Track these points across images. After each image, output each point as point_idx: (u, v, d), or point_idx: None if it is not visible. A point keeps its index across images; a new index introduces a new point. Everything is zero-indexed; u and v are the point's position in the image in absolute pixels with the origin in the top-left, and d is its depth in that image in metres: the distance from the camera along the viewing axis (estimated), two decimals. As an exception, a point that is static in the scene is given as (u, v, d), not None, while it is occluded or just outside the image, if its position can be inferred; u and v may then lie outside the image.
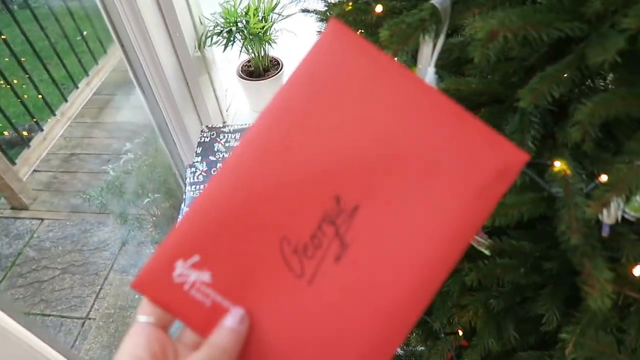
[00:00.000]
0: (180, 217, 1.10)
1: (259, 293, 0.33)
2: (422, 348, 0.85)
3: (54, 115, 2.57)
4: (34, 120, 2.45)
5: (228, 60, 1.31)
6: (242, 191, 0.33)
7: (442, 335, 0.76)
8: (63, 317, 1.87)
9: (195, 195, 1.11)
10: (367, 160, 0.32)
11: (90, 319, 1.86)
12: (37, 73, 2.54)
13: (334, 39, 0.33)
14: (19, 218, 2.17)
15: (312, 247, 0.32)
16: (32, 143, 2.43)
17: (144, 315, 0.33)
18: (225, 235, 0.33)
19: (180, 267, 0.33)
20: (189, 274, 0.33)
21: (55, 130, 2.55)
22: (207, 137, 1.23)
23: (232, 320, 0.32)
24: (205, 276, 0.33)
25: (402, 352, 0.91)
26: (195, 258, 0.33)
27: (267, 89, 1.32)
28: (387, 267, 0.32)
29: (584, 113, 0.37)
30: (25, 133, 2.43)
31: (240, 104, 1.43)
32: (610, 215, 0.42)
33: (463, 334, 0.74)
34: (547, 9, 0.38)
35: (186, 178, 1.16)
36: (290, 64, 1.33)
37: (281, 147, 0.33)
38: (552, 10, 0.38)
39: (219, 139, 1.23)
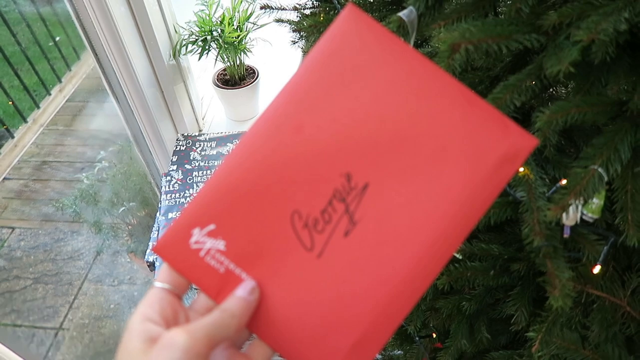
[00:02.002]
0: (155, 225, 1.09)
1: (270, 263, 0.34)
2: (399, 352, 0.87)
3: (25, 122, 2.52)
4: (4, 127, 2.39)
5: (203, 68, 1.31)
6: (256, 166, 0.35)
7: (417, 338, 0.77)
8: (35, 327, 1.82)
9: (170, 203, 1.11)
10: (379, 140, 0.33)
11: (63, 329, 1.82)
12: (8, 79, 2.48)
13: (350, 22, 0.34)
14: (-13, 228, 2.11)
15: (323, 222, 0.34)
16: (2, 150, 2.37)
17: (161, 282, 0.35)
18: (239, 207, 0.35)
19: (196, 234, 0.35)
20: (205, 241, 0.35)
21: (26, 138, 2.49)
22: (183, 146, 1.23)
23: (243, 290, 0.34)
24: (220, 244, 0.35)
25: (379, 356, 0.92)
26: (211, 226, 0.35)
27: (243, 97, 1.33)
28: (394, 244, 0.33)
29: (543, 121, 0.39)
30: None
31: (216, 113, 1.43)
32: (569, 217, 0.44)
33: (437, 336, 0.76)
34: (507, 22, 0.40)
35: (162, 186, 1.15)
36: (265, 73, 1.34)
37: (295, 125, 0.34)
38: (512, 23, 0.40)
39: (194, 147, 1.23)
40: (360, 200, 0.33)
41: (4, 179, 2.31)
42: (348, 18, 0.34)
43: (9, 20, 2.46)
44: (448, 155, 0.33)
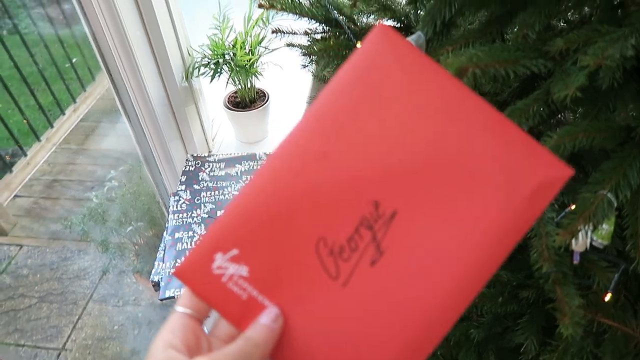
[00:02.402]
0: (162, 244, 1.09)
1: (294, 291, 0.33)
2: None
3: (39, 140, 2.56)
4: (18, 145, 2.43)
5: (214, 91, 1.33)
6: (281, 191, 0.34)
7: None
8: (38, 347, 1.81)
9: (178, 223, 1.11)
10: (408, 167, 0.32)
11: (66, 350, 1.80)
12: (24, 98, 2.54)
13: (379, 42, 0.33)
14: (-4, 245, 2.13)
15: (349, 250, 0.33)
16: (15, 168, 2.40)
17: (183, 306, 0.34)
18: (263, 233, 0.34)
19: (219, 260, 0.34)
20: (228, 267, 0.34)
21: (39, 156, 2.53)
22: (192, 166, 1.24)
23: (267, 317, 0.33)
24: (243, 270, 0.34)
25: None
26: (234, 252, 0.34)
27: (253, 120, 1.34)
28: (422, 275, 0.32)
29: (550, 145, 0.39)
30: (7, 157, 2.41)
31: (226, 134, 1.45)
32: (579, 243, 0.43)
33: (444, 364, 0.74)
34: (514, 47, 0.41)
35: (169, 206, 1.16)
36: (275, 96, 1.36)
37: (320, 151, 0.33)
38: (519, 49, 0.41)
39: (203, 168, 1.24)
40: (387, 228, 0.32)
41: (15, 196, 2.34)
42: (378, 37, 0.33)
43: (28, 42, 2.54)
44: (480, 184, 0.31)
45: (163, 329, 0.33)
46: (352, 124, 0.33)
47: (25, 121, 2.50)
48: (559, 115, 0.57)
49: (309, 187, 0.33)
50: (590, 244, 0.44)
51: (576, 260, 0.45)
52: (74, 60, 2.88)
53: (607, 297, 0.44)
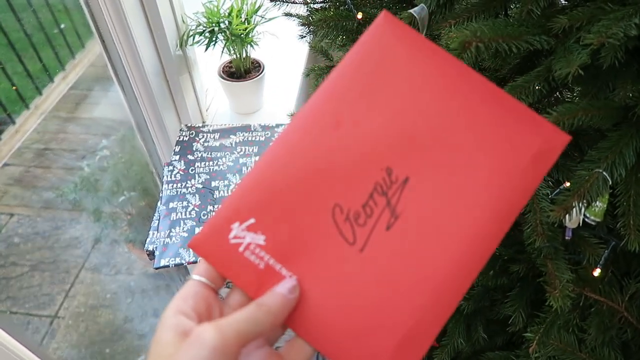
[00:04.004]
0: (156, 214, 1.10)
1: (312, 258, 0.34)
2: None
3: (28, 108, 2.51)
4: (6, 113, 2.39)
5: (209, 60, 1.31)
6: (296, 160, 0.35)
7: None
8: (30, 315, 1.83)
9: (172, 193, 1.11)
10: (416, 136, 0.34)
11: (59, 317, 1.82)
12: (11, 65, 2.48)
13: (385, 26, 0.36)
14: (-13, 213, 2.12)
15: (364, 216, 0.34)
16: (4, 136, 2.36)
17: (198, 274, 0.34)
18: (279, 201, 0.34)
19: (236, 229, 0.34)
20: (244, 236, 0.34)
21: (28, 124, 2.49)
22: (186, 136, 1.23)
23: (284, 287, 0.33)
24: (260, 239, 0.34)
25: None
26: (251, 221, 0.34)
27: (248, 90, 1.33)
28: (437, 237, 0.33)
29: (550, 122, 0.39)
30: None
31: (220, 105, 1.43)
32: (572, 219, 0.44)
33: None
34: (518, 23, 0.40)
35: (163, 176, 1.15)
36: (271, 67, 1.34)
37: (333, 121, 0.35)
38: (522, 24, 0.40)
39: (197, 139, 1.23)
40: (401, 194, 0.33)
41: (4, 164, 2.31)
42: (383, 23, 0.36)
43: (15, 6, 2.46)
44: (484, 151, 0.33)
45: (176, 296, 0.33)
46: (362, 98, 0.35)
47: (14, 87, 2.44)
48: (557, 93, 0.58)
49: (323, 156, 0.34)
50: (583, 220, 0.45)
51: (568, 236, 0.46)
52: (62, 26, 2.80)
53: (597, 273, 0.46)
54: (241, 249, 0.34)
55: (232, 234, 0.34)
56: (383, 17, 0.36)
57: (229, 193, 1.14)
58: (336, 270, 0.33)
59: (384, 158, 0.34)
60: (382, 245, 0.33)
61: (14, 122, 2.41)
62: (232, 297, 0.35)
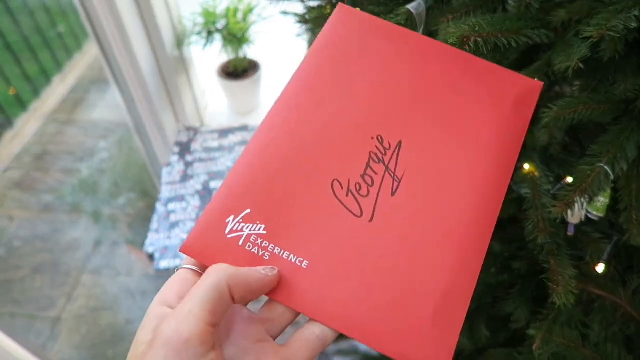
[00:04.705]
0: (155, 215, 1.09)
1: (320, 239, 0.32)
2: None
3: (27, 111, 2.51)
4: (6, 116, 2.38)
5: (206, 60, 1.30)
6: (284, 143, 0.34)
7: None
8: (33, 317, 1.82)
9: (171, 195, 1.11)
10: (399, 103, 0.35)
11: (61, 320, 1.81)
12: (9, 67, 2.47)
13: (344, 14, 0.38)
14: (-13, 216, 2.11)
15: (366, 186, 0.33)
16: (3, 140, 2.36)
17: (186, 264, 0.31)
18: (274, 187, 0.33)
19: (231, 223, 0.32)
20: (242, 229, 0.32)
21: (27, 127, 2.48)
22: (185, 137, 1.22)
23: (263, 267, 0.30)
24: (260, 228, 0.32)
25: (376, 353, 0.92)
26: (247, 211, 0.32)
27: (246, 90, 1.32)
28: (444, 191, 0.32)
29: (550, 117, 0.39)
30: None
31: (218, 105, 1.43)
32: (574, 215, 0.43)
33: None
34: (516, 17, 0.40)
35: (162, 177, 1.15)
36: (268, 67, 1.34)
37: (315, 101, 0.35)
38: (521, 19, 0.40)
39: (196, 139, 1.22)
40: (398, 157, 0.33)
41: (4, 169, 2.31)
42: (341, 12, 0.38)
43: (12, 9, 2.45)
44: (467, 105, 0.34)
45: (164, 286, 0.30)
46: (338, 76, 0.36)
47: (12, 91, 2.44)
48: (556, 88, 0.57)
49: (311, 134, 0.34)
50: (585, 216, 0.44)
51: (570, 231, 0.46)
52: (60, 29, 2.79)
53: (600, 269, 0.45)
54: (241, 242, 0.31)
55: (228, 229, 0.32)
56: (339, 8, 0.38)
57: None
58: (350, 247, 0.31)
59: (372, 128, 0.34)
60: (392, 211, 0.32)
61: (12, 126, 2.40)
62: None
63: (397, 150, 0.33)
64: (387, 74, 0.35)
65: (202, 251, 0.32)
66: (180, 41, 1.14)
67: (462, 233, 0.31)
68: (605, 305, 0.51)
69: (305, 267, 0.31)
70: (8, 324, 1.79)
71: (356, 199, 0.32)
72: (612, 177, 0.40)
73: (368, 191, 0.32)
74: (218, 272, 0.28)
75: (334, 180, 0.33)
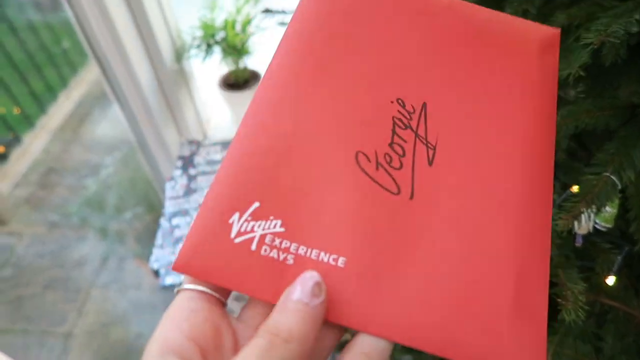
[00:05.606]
0: (160, 231, 1.09)
1: (354, 227, 0.25)
2: (408, 357, 0.85)
3: (34, 128, 2.53)
4: (14, 134, 2.41)
5: (207, 73, 1.30)
6: (286, 120, 0.27)
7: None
8: (45, 333, 1.83)
9: (174, 209, 1.10)
10: (412, 65, 0.29)
11: (72, 335, 1.82)
12: (15, 86, 2.50)
13: None
14: (-3, 235, 2.13)
15: (397, 156, 0.27)
16: (11, 157, 2.38)
17: (193, 284, 0.23)
18: (283, 170, 0.26)
19: (237, 223, 0.25)
20: (253, 227, 0.25)
21: (35, 144, 2.51)
22: (187, 151, 1.22)
23: (300, 291, 0.22)
24: (276, 225, 0.25)
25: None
26: (255, 205, 0.25)
27: (249, 100, 1.32)
28: (489, 155, 0.27)
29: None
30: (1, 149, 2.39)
31: (220, 117, 1.42)
32: (582, 226, 0.42)
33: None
34: (514, 24, 0.39)
35: (166, 192, 1.15)
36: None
37: (318, 63, 0.29)
38: (518, 25, 0.39)
39: (199, 152, 1.22)
40: (426, 121, 0.27)
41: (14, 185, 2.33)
42: None
43: (16, 29, 2.49)
44: (488, 58, 0.29)
45: (162, 321, 0.22)
46: (335, 43, 0.30)
47: (17, 110, 2.46)
48: (561, 93, 0.56)
49: (319, 102, 0.28)
50: (593, 226, 0.42)
51: (578, 243, 0.44)
52: (64, 45, 2.82)
53: (611, 281, 0.44)
54: (254, 246, 0.24)
55: (234, 231, 0.24)
56: None
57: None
58: (393, 233, 0.25)
59: (389, 91, 0.28)
60: (433, 185, 0.26)
61: (20, 142, 2.43)
62: (251, 309, 0.24)
63: (423, 114, 0.28)
64: (389, 34, 0.30)
65: (203, 266, 0.24)
66: (179, 55, 1.14)
67: (518, 201, 0.26)
68: (618, 317, 0.49)
69: (342, 265, 0.24)
70: (21, 339, 1.80)
71: (389, 173, 0.26)
72: (619, 186, 0.38)
73: (401, 163, 0.26)
74: (275, 344, 0.20)
75: (357, 152, 0.26)
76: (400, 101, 0.28)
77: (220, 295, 0.24)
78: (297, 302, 0.21)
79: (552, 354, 0.49)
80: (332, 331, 0.24)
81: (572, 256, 0.44)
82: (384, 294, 0.24)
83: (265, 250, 0.24)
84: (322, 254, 0.24)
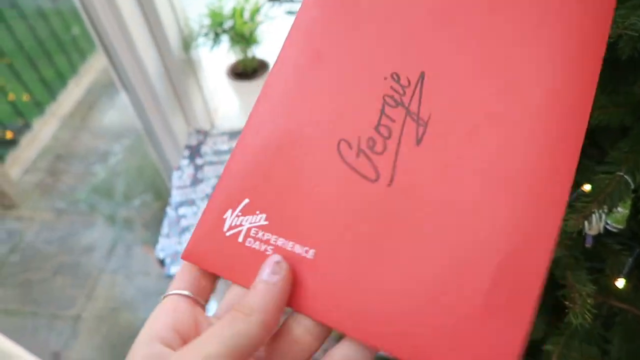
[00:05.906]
0: (166, 220, 1.09)
1: (326, 219, 0.25)
2: None
3: (43, 115, 2.55)
4: (24, 120, 2.42)
5: (215, 62, 1.29)
6: (281, 116, 0.28)
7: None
8: (54, 316, 1.86)
9: (181, 199, 1.10)
10: (415, 32, 0.26)
11: (81, 318, 1.84)
12: (26, 72, 2.51)
13: None
14: (7, 219, 2.16)
15: (381, 140, 0.25)
16: (21, 143, 2.40)
17: (177, 289, 0.26)
18: (273, 168, 0.27)
19: (229, 218, 0.27)
20: (241, 222, 0.27)
21: (45, 130, 2.52)
22: (195, 140, 1.22)
23: (261, 271, 0.24)
24: (261, 219, 0.27)
25: None
26: (245, 202, 0.27)
27: (257, 89, 1.31)
28: (495, 127, 0.23)
29: None
30: (9, 134, 2.41)
31: (228, 107, 1.42)
32: (592, 226, 0.41)
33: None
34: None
35: (172, 181, 1.14)
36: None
37: (312, 53, 0.28)
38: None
39: (206, 142, 1.21)
40: (421, 94, 0.25)
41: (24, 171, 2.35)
42: None
43: (27, 15, 2.49)
44: (509, 19, 0.25)
45: (150, 317, 0.25)
46: (332, 26, 0.29)
47: (27, 96, 2.48)
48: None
49: (312, 95, 0.28)
50: (604, 227, 0.41)
51: (588, 243, 0.43)
52: (74, 32, 2.83)
53: (620, 284, 0.42)
54: (240, 238, 0.26)
55: (226, 226, 0.27)
56: None
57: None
58: (365, 223, 0.24)
59: (383, 66, 0.27)
60: (418, 167, 0.24)
61: (31, 128, 2.44)
62: (224, 307, 0.27)
63: (419, 86, 0.26)
64: (393, 4, 0.28)
65: (202, 256, 0.27)
66: (187, 43, 1.13)
67: (521, 185, 0.23)
68: (627, 319, 0.48)
69: (312, 257, 0.25)
70: (31, 322, 1.83)
71: (369, 159, 0.25)
72: (632, 186, 0.37)
73: (385, 146, 0.25)
74: (237, 319, 0.23)
75: (340, 140, 0.26)
76: (395, 75, 0.26)
77: (201, 299, 0.27)
78: (258, 282, 0.24)
79: (557, 356, 0.48)
80: (316, 330, 0.24)
81: (581, 258, 0.43)
82: (350, 287, 0.24)
83: (250, 242, 0.26)
84: (297, 245, 0.25)
